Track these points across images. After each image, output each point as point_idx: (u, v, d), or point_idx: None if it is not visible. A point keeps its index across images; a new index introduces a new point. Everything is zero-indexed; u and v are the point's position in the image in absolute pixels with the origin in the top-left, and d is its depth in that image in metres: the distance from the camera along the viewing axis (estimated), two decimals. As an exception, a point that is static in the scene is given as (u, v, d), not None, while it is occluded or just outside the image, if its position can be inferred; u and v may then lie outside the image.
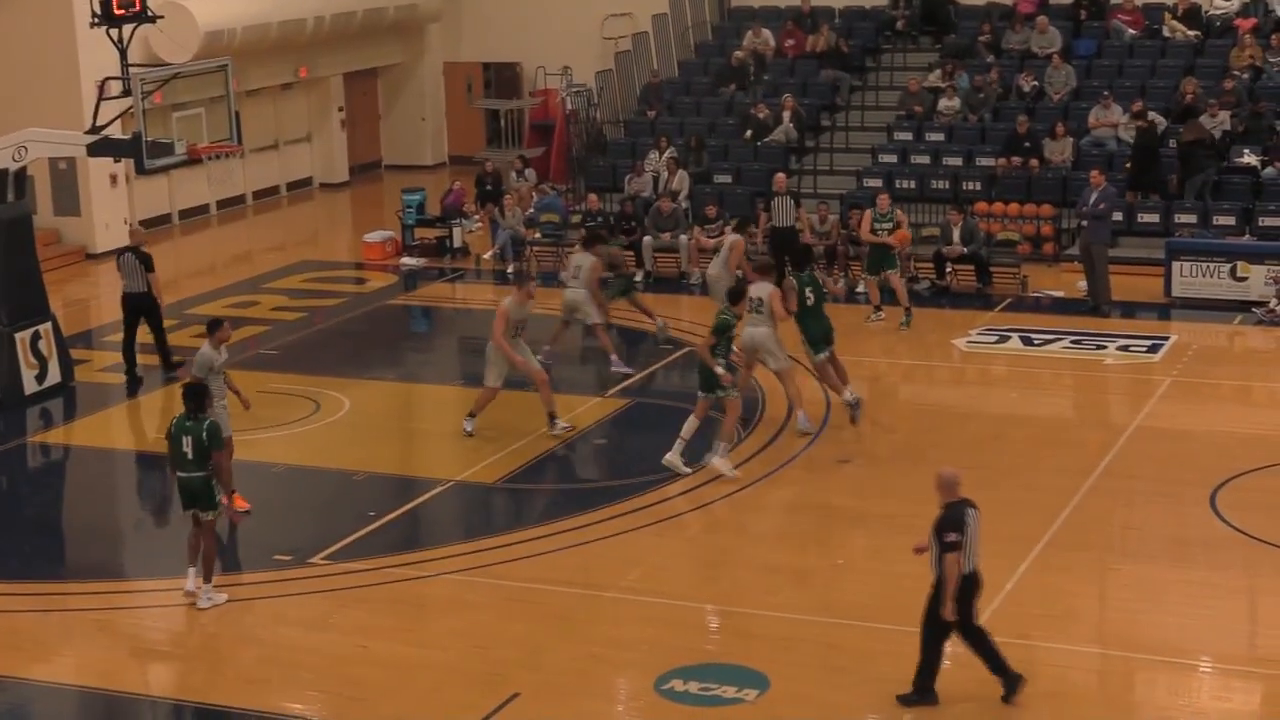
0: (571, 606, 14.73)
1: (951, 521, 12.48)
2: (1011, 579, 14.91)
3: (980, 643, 12.75)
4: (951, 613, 12.45)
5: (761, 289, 18.86)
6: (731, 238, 22.86)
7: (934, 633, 12.67)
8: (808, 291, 19.18)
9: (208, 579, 14.89)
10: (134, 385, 21.81)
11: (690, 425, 17.63)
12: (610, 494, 17.37)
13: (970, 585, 12.56)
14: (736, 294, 18.31)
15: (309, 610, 14.97)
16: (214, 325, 16.93)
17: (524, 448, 18.77)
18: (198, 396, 14.89)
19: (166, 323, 22.59)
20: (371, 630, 14.36)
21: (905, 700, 12.76)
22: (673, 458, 17.63)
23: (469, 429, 19.06)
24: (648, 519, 16.64)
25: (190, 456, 14.65)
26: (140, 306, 21.94)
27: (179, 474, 14.79)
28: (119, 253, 22.57)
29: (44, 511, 18.46)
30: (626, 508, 16.88)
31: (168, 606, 15.27)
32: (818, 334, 19.20)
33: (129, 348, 22.07)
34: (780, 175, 26.31)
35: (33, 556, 16.66)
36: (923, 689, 12.79)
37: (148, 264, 21.87)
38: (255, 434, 18.45)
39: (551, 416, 19.08)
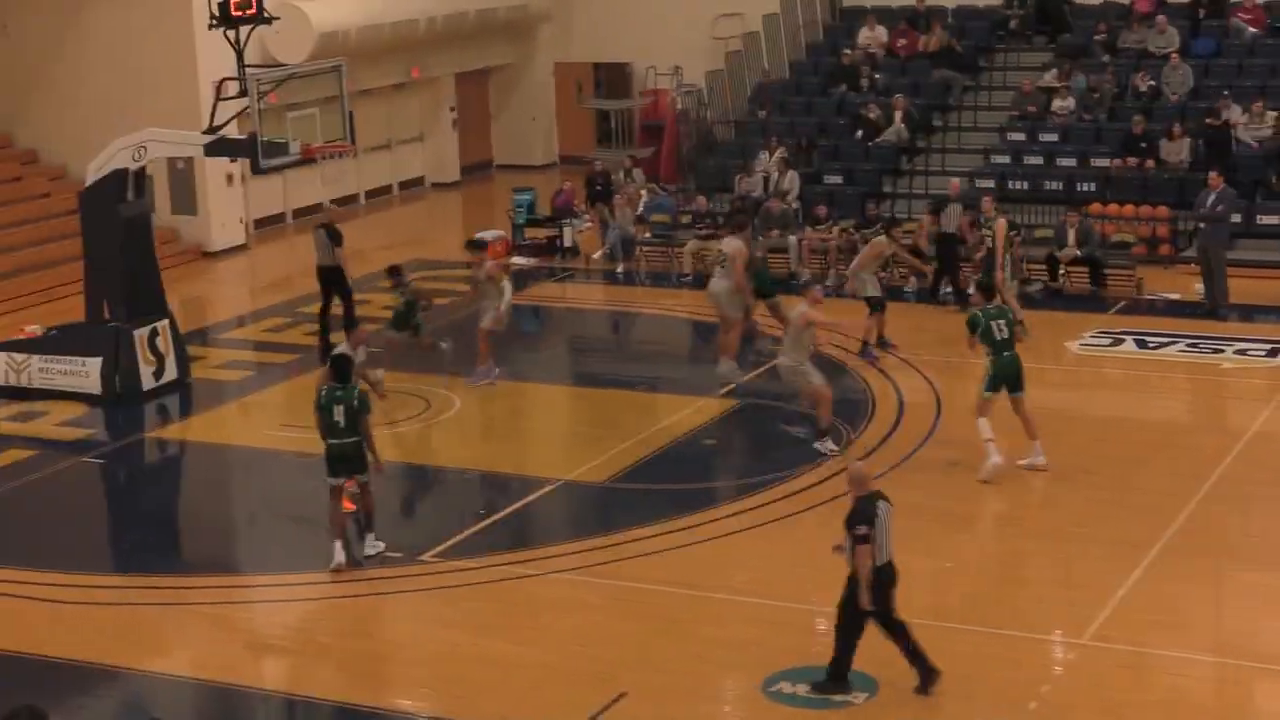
0: (679, 607, 14.73)
1: (861, 515, 12.67)
2: (1124, 585, 14.73)
3: (899, 634, 12.85)
4: (868, 603, 12.55)
5: (729, 245, 20.62)
6: (733, 245, 21.19)
7: (849, 624, 12.80)
8: (995, 325, 17.59)
9: (370, 528, 15.79)
10: (325, 353, 22.18)
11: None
12: (719, 495, 17.35)
13: (886, 577, 12.72)
14: None
15: (419, 607, 15.09)
16: (351, 326, 17.90)
17: (633, 447, 18.79)
18: (344, 366, 15.90)
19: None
20: (480, 628, 14.44)
21: (818, 687, 12.90)
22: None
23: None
24: (756, 520, 16.60)
25: (343, 424, 15.40)
26: (330, 279, 22.97)
27: (331, 441, 15.48)
28: (315, 228, 23.53)
29: (161, 506, 18.74)
30: (735, 509, 16.86)
31: (282, 601, 15.48)
32: (1002, 371, 17.63)
33: (323, 316, 23.13)
34: (955, 181, 25.82)
35: (150, 551, 16.91)
36: (836, 677, 12.91)
37: (337, 239, 22.85)
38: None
39: (822, 432, 18.38)
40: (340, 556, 15.55)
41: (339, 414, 15.41)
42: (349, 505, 16.41)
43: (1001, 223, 23.18)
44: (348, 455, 15.50)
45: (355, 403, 15.47)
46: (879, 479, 17.32)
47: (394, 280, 21.57)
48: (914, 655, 12.84)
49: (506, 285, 21.26)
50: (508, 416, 21.05)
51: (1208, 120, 26.78)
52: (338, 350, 17.67)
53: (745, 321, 21.47)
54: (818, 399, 18.17)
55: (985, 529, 16.34)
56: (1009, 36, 32.24)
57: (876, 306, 21.90)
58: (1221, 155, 26.53)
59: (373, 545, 15.85)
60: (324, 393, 15.59)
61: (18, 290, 26.39)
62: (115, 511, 18.86)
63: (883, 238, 22.48)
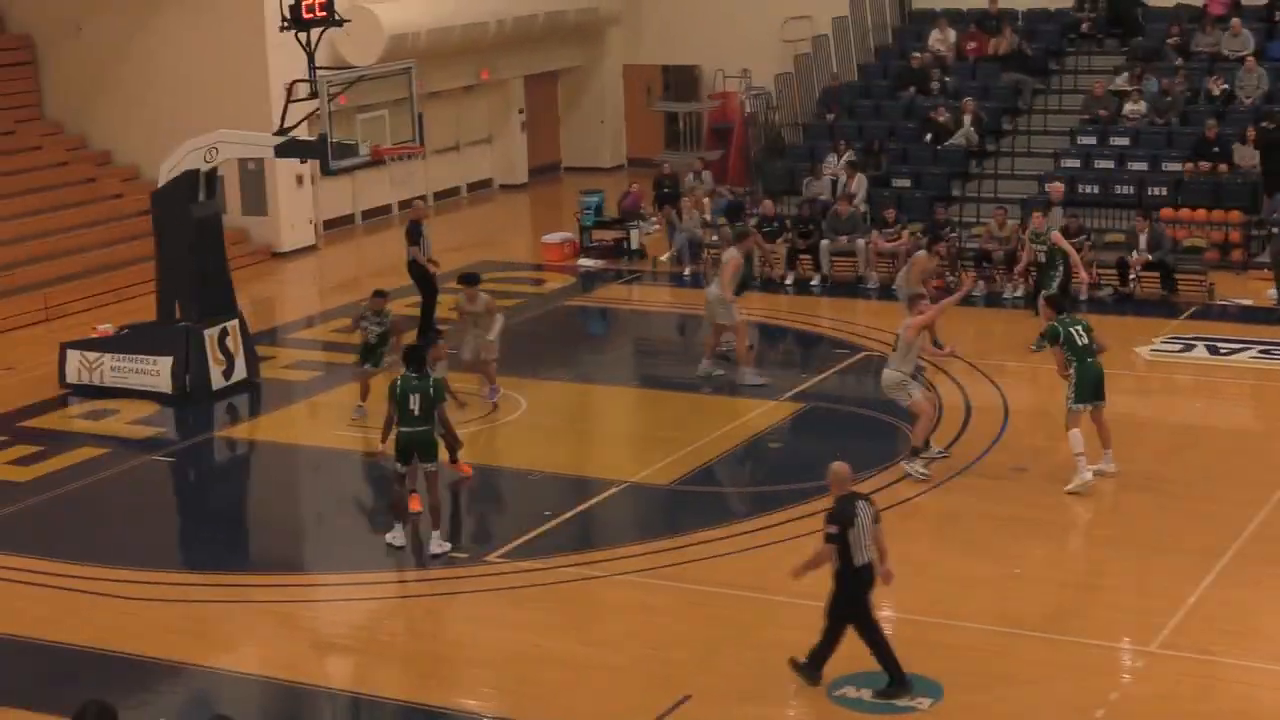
0: (745, 610, 14.71)
1: (835, 515, 12.74)
2: (1195, 593, 14.59)
3: (874, 638, 12.87)
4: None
5: (726, 254, 21.18)
6: (728, 254, 21.42)
7: (834, 621, 12.90)
8: (1075, 332, 17.37)
9: (437, 526, 16.08)
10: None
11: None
12: (784, 498, 17.29)
13: (863, 578, 12.76)
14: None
15: (484, 608, 15.12)
16: (429, 344, 17.82)
17: (699, 450, 18.78)
18: (420, 356, 16.24)
19: (349, 321, 22.94)
20: (545, 629, 14.46)
21: (796, 665, 13.05)
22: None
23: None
24: (820, 524, 16.48)
25: (417, 412, 15.82)
26: (419, 275, 23.58)
27: (404, 429, 15.85)
28: (414, 226, 23.82)
29: (229, 505, 18.87)
30: (800, 512, 16.78)
31: (348, 600, 15.56)
32: (1085, 378, 17.31)
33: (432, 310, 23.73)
34: (1057, 184, 25.47)
35: (218, 548, 17.04)
36: (814, 663, 13.02)
37: (411, 237, 23.48)
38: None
39: (914, 451, 17.93)
40: (402, 538, 16.02)
41: (414, 402, 15.81)
42: (416, 505, 16.51)
43: (1057, 234, 23.15)
44: (420, 443, 15.91)
45: (431, 391, 15.89)
46: (947, 483, 17.33)
47: (375, 310, 20.12)
48: (887, 660, 12.87)
49: (499, 318, 20.43)
50: (574, 418, 21.07)
51: (1263, 124, 26.52)
52: (413, 342, 18.11)
53: (735, 327, 21.33)
54: (917, 414, 17.86)
55: (1054, 535, 16.20)
56: (1080, 39, 32.00)
57: None
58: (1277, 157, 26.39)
59: (439, 544, 16.00)
60: (399, 382, 15.96)
61: (91, 290, 26.66)
62: (184, 509, 19.03)
63: (923, 253, 22.20)
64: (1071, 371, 17.26)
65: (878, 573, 12.91)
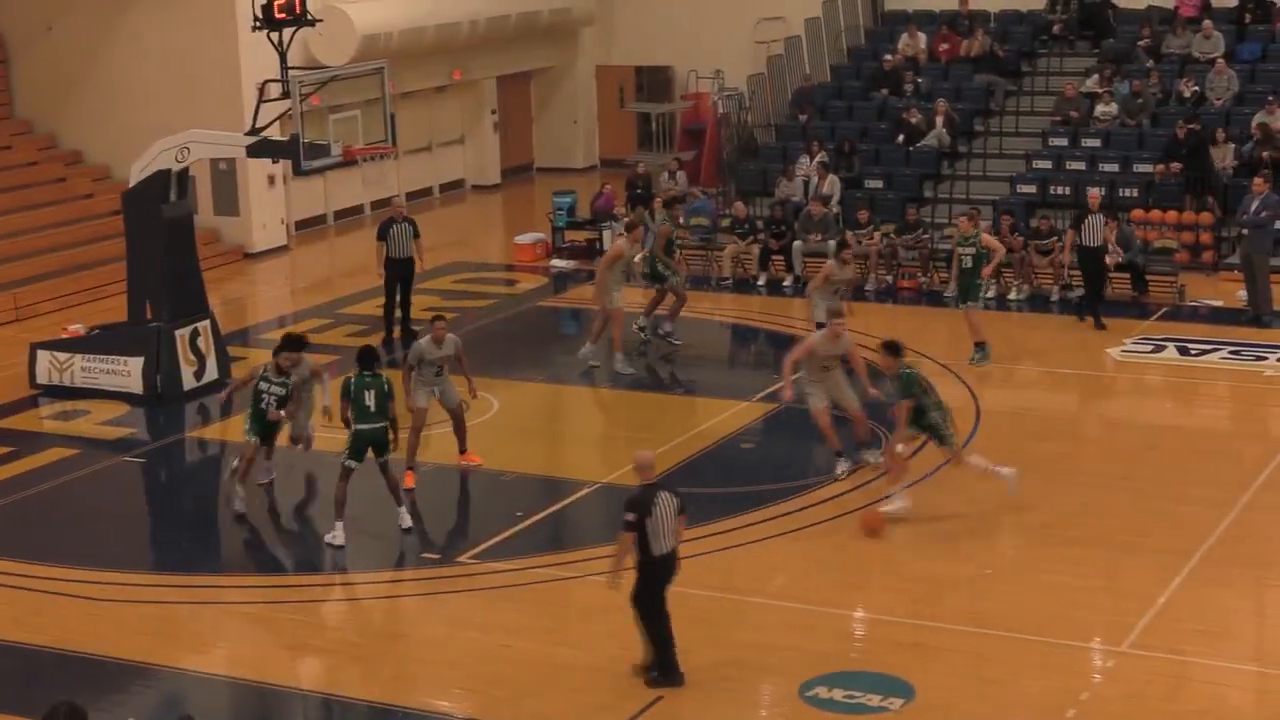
0: (716, 611, 14.71)
1: (634, 502, 12.98)
2: (1165, 593, 14.64)
3: (657, 627, 13.08)
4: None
5: (613, 243, 21.69)
6: (614, 244, 22.02)
7: (646, 615, 13.09)
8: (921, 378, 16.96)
9: (400, 503, 16.65)
10: (390, 345, 23.09)
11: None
12: (756, 499, 17.30)
13: (661, 567, 12.99)
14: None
15: (456, 609, 15.11)
16: (434, 320, 18.27)
17: (672, 451, 18.76)
18: (373, 355, 16.55)
19: (321, 321, 22.98)
20: (517, 630, 14.45)
21: (651, 681, 13.13)
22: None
23: None
24: (793, 524, 16.57)
25: (373, 409, 16.17)
26: (405, 272, 23.48)
27: (361, 426, 16.18)
28: (385, 224, 23.70)
29: (200, 506, 18.80)
30: (771, 513, 16.82)
31: (318, 601, 15.53)
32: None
33: (389, 311, 23.61)
34: (1095, 191, 24.94)
35: (189, 549, 16.97)
36: (665, 668, 13.14)
37: (416, 231, 23.54)
38: (404, 433, 18.60)
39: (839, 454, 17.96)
40: (341, 537, 16.19)
41: (369, 399, 16.17)
42: (411, 481, 17.18)
43: (988, 236, 22.39)
44: (376, 439, 16.28)
45: (385, 389, 16.26)
46: (915, 485, 17.35)
47: (289, 355, 17.33)
48: (664, 653, 13.13)
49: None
50: (546, 419, 21.05)
51: (1190, 126, 26.76)
52: (406, 365, 18.21)
53: (612, 313, 21.69)
54: (816, 422, 17.77)
55: (1025, 536, 16.24)
56: (1051, 41, 32.11)
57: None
58: (1199, 158, 26.67)
59: (405, 518, 16.61)
60: (352, 381, 16.29)
61: (61, 290, 26.54)
62: (155, 511, 18.96)
63: (831, 261, 21.55)
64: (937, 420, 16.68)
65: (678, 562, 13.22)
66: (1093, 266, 23.89)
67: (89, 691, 12.81)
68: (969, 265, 21.77)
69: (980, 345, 21.62)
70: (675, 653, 13.19)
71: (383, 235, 23.55)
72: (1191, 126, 27.30)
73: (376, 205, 33.58)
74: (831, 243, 26.51)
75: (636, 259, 22.69)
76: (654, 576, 13.02)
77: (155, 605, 15.33)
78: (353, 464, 16.25)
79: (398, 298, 23.72)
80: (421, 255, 23.82)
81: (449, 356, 18.08)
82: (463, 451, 18.37)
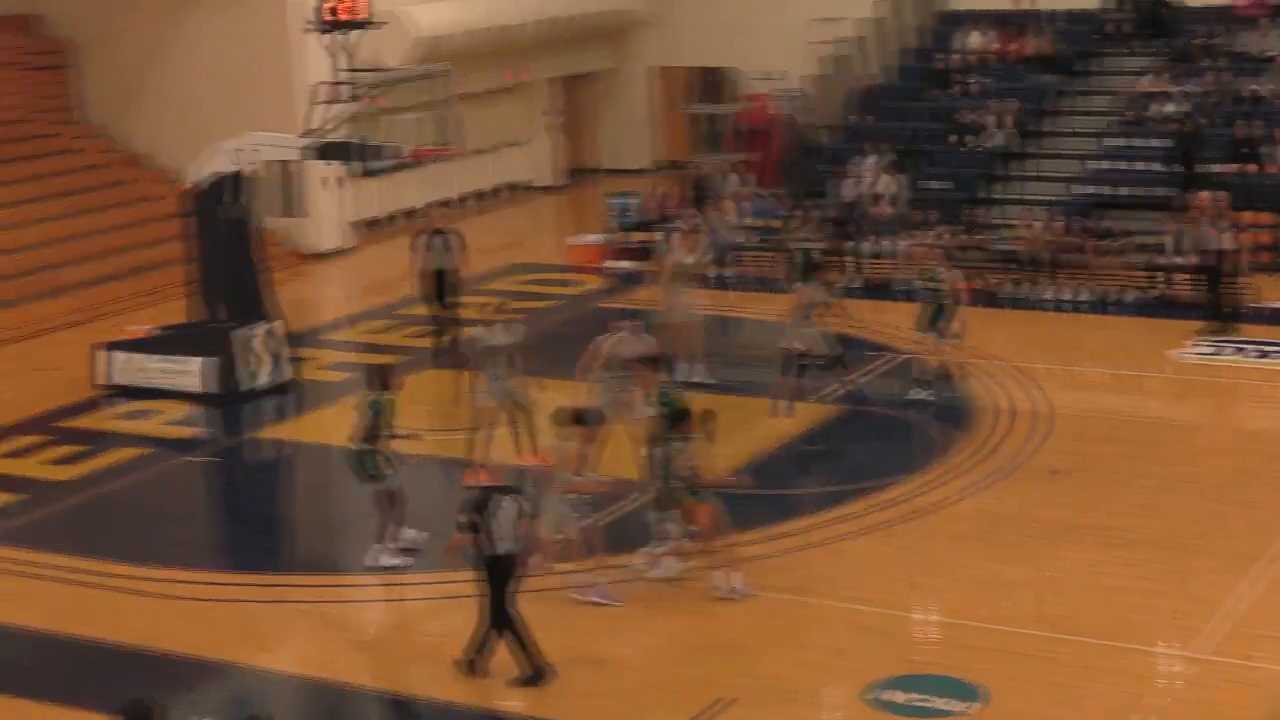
0: (783, 613, 14.74)
1: (468, 504, 13.32)
2: (1232, 596, 14.59)
3: (508, 628, 13.37)
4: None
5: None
6: (674, 253, 21.60)
7: (499, 622, 13.41)
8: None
9: (378, 539, 15.93)
10: (443, 354, 23.05)
11: None
12: (822, 500, 17.33)
13: (499, 568, 13.25)
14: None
15: (522, 608, 15.16)
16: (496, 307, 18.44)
17: (737, 453, 18.79)
18: (383, 373, 16.09)
19: (383, 323, 23.12)
20: (584, 630, 14.51)
21: (526, 681, 13.31)
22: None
23: None
24: (861, 527, 16.58)
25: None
26: (444, 284, 23.18)
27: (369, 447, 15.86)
28: (423, 235, 23.45)
29: (267, 505, 18.98)
30: (840, 515, 16.84)
31: (386, 601, 15.64)
32: None
33: (440, 315, 23.37)
34: (1205, 194, 24.52)
35: (257, 548, 17.14)
36: (531, 665, 13.34)
37: (459, 242, 23.28)
38: (463, 434, 18.73)
39: None
40: (411, 533, 16.09)
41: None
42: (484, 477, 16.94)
43: (956, 273, 21.29)
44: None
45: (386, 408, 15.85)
46: (988, 487, 17.34)
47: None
48: (524, 651, 13.34)
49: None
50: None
51: (1180, 124, 26.67)
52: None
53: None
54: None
55: (1090, 539, 16.20)
56: (1111, 40, 31.95)
57: (790, 367, 20.14)
58: (1193, 155, 26.73)
59: (375, 557, 15.92)
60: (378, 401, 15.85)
61: (129, 291, 26.83)
62: (222, 510, 19.15)
63: (806, 284, 20.84)
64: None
65: (521, 564, 13.43)
66: (1212, 271, 23.56)
67: (160, 689, 12.88)
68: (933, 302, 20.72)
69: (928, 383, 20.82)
70: (533, 648, 13.39)
71: (420, 247, 23.29)
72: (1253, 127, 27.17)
73: (436, 207, 33.72)
74: (895, 243, 26.57)
75: (690, 260, 22.23)
76: (492, 575, 13.31)
77: (225, 604, 15.48)
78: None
79: (441, 308, 23.37)
80: (463, 266, 23.44)
81: (516, 344, 18.11)
82: (534, 451, 18.34)
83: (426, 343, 23.48)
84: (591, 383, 18.15)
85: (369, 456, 15.82)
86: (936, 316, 20.70)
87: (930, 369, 20.75)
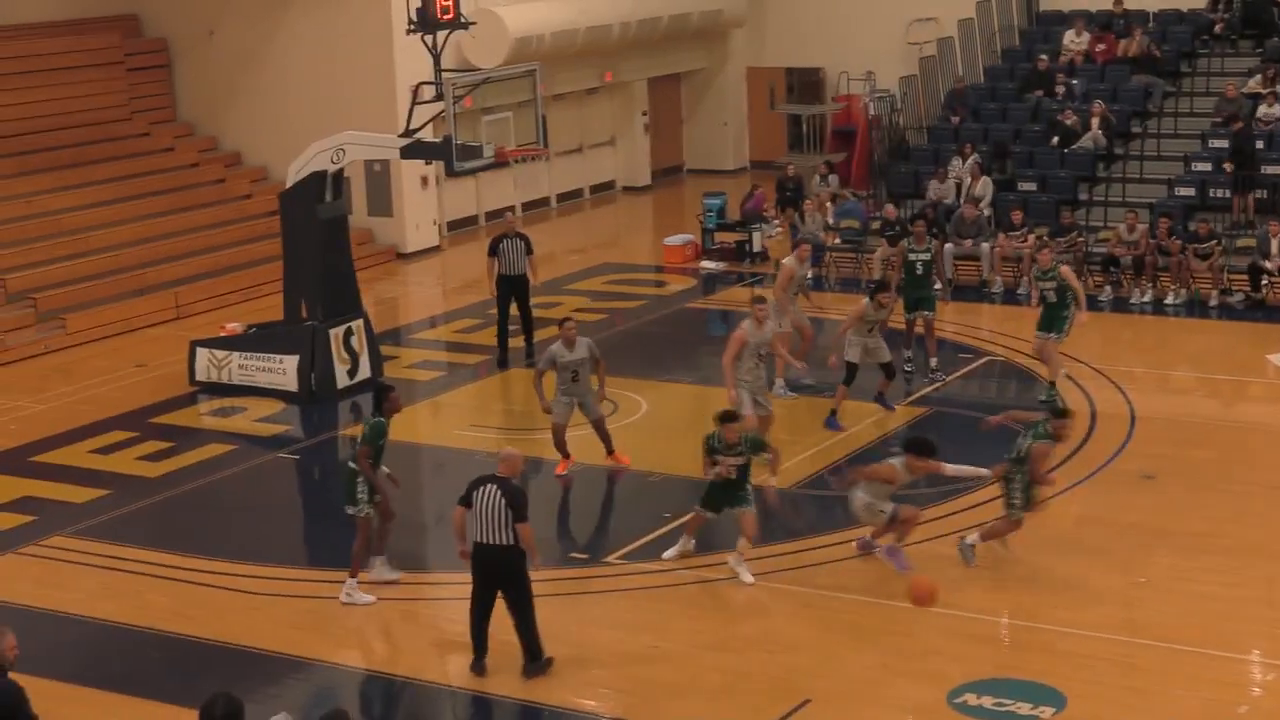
0: (865, 615, 14.63)
1: (468, 485, 13.56)
2: (1327, 605, 14.32)
3: (477, 618, 13.65)
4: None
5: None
6: (788, 263, 21.33)
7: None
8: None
9: (353, 574, 15.38)
10: (504, 363, 22.96)
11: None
12: (904, 502, 17.13)
13: (478, 557, 13.47)
14: None
15: (603, 609, 15.16)
16: (563, 323, 18.29)
17: (820, 454, 18.70)
18: (376, 396, 15.83)
19: (472, 322, 23.12)
20: (664, 630, 14.47)
21: (529, 672, 13.54)
22: None
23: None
24: (943, 529, 16.41)
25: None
26: (518, 288, 22.93)
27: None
28: (497, 239, 23.14)
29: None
30: (921, 517, 16.65)
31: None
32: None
33: (503, 330, 23.09)
34: None
35: (342, 546, 17.16)
36: (532, 654, 13.63)
37: (529, 247, 22.95)
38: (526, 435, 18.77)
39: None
40: (390, 571, 15.73)
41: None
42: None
43: (1065, 270, 20.70)
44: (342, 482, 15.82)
45: (364, 430, 15.50)
46: (1069, 491, 17.11)
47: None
48: (479, 637, 13.62)
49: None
50: (694, 420, 21.00)
51: (1235, 127, 26.22)
52: (536, 369, 18.28)
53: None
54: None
55: (1180, 544, 15.94)
56: (1213, 41, 31.48)
57: (849, 377, 19.82)
58: (1247, 159, 26.36)
59: (347, 594, 15.38)
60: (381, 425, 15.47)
61: (220, 289, 27.10)
62: (308, 507, 19.26)
63: (865, 300, 20.01)
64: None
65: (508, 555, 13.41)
66: None
67: (243, 683, 13.03)
68: (1053, 300, 20.40)
69: (1051, 384, 20.49)
70: (479, 648, 13.60)
71: (494, 251, 22.94)
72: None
73: (528, 207, 33.85)
74: (985, 245, 26.34)
75: (804, 271, 21.79)
76: (474, 562, 13.51)
77: (309, 600, 15.57)
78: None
79: (511, 314, 23.05)
80: (535, 271, 23.15)
81: (583, 360, 17.98)
82: (610, 452, 18.41)
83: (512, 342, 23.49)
84: (735, 374, 18.12)
85: (354, 480, 15.40)
86: (1057, 317, 20.32)
87: (1055, 369, 20.46)
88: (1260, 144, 27.90)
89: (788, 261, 21.38)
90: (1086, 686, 12.99)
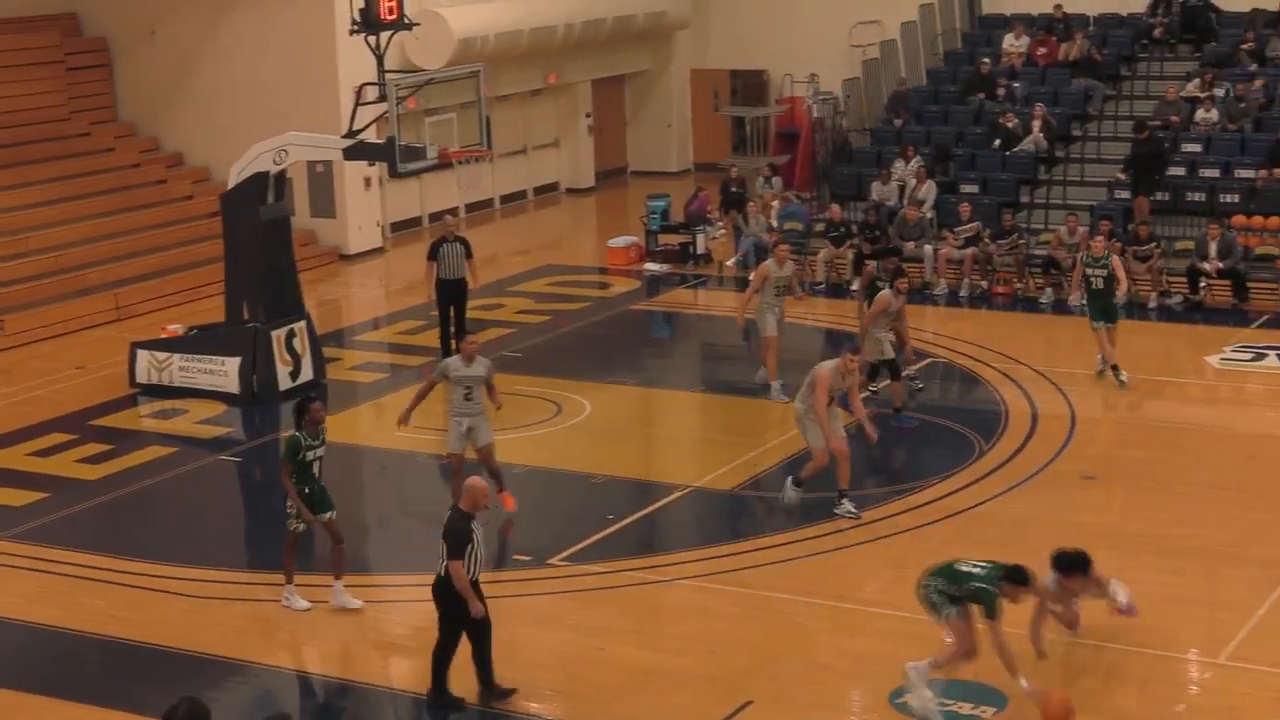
0: (807, 616, 14.66)
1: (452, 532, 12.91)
2: (1265, 604, 14.43)
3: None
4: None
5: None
6: (764, 264, 21.01)
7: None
8: None
9: (288, 580, 15.21)
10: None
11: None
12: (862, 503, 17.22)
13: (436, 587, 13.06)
14: None
15: (547, 610, 15.13)
16: (461, 338, 17.71)
17: (763, 455, 18.73)
18: (296, 409, 15.17)
19: (415, 324, 23.03)
20: (608, 632, 14.46)
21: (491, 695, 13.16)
22: None
23: None
24: (886, 530, 16.48)
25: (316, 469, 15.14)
26: (456, 293, 22.76)
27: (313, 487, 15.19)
28: (436, 243, 22.99)
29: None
30: (865, 518, 16.72)
31: (411, 601, 15.58)
32: None
33: (444, 334, 22.83)
34: None
35: (272, 547, 17.06)
36: (483, 679, 13.25)
37: (469, 250, 22.76)
38: (499, 434, 18.67)
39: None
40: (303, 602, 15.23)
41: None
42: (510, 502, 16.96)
43: (1117, 261, 21.21)
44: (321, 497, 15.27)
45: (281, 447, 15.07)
46: (1010, 492, 17.21)
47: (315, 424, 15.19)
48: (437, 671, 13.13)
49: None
50: (638, 422, 21.06)
51: (1141, 135, 26.46)
52: (428, 379, 17.44)
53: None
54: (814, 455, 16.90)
55: (1120, 544, 16.04)
56: (1152, 45, 31.73)
57: (892, 371, 19.90)
58: (1151, 167, 26.83)
59: (286, 599, 15.19)
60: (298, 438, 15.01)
61: (161, 290, 26.93)
62: (250, 509, 19.15)
63: (887, 290, 19.84)
64: None
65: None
66: None
67: (184, 687, 12.88)
68: (1100, 287, 20.87)
69: (1115, 368, 20.88)
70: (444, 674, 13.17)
71: (433, 255, 22.77)
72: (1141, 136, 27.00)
73: (471, 208, 33.80)
74: (928, 248, 26.46)
75: (782, 273, 20.96)
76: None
77: (250, 603, 15.48)
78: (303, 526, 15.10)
79: (451, 319, 22.88)
80: (475, 275, 23.02)
81: (478, 378, 16.88)
82: (500, 489, 16.99)
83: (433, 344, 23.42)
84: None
85: (282, 497, 15.12)
86: (1110, 305, 20.84)
87: (1109, 358, 20.76)
88: (1199, 148, 28.14)
89: (765, 263, 21.28)
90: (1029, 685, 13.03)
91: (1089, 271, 21.12)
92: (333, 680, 14.13)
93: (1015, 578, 12.46)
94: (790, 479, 17.08)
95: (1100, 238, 21.58)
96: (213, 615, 15.20)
